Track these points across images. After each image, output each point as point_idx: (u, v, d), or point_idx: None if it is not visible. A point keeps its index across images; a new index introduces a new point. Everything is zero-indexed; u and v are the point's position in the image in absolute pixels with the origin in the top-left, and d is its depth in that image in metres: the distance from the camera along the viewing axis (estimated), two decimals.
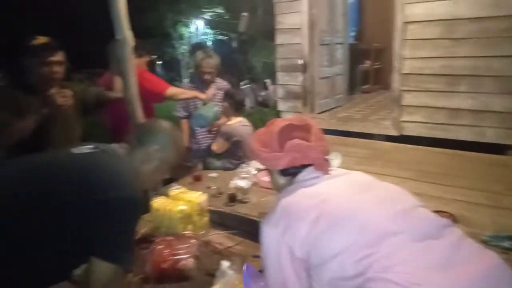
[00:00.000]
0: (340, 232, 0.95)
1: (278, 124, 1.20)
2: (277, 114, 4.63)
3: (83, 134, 2.42)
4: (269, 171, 1.26)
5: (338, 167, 2.69)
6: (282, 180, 1.20)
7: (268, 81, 7.87)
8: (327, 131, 3.60)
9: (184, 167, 2.83)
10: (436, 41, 3.28)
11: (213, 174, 2.85)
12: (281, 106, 4.52)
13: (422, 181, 2.52)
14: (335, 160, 2.76)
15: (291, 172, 1.15)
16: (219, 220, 2.24)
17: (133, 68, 2.51)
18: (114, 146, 1.30)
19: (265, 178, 2.51)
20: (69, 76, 2.37)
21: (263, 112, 6.49)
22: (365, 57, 6.30)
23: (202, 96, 3.07)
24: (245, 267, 1.47)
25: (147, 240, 2.01)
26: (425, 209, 1.04)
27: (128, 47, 2.44)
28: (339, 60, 4.79)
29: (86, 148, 1.22)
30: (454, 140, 3.28)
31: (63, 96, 2.16)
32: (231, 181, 2.39)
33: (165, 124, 1.39)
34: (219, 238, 2.07)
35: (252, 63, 8.22)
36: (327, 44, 4.40)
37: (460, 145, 3.20)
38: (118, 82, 2.64)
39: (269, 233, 1.04)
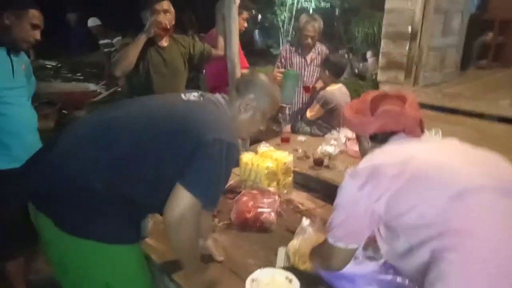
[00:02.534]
0: (423, 184, 0.92)
1: (372, 93, 1.21)
2: (375, 85, 4.37)
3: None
4: (359, 138, 1.25)
5: None
6: (372, 146, 1.17)
7: (368, 52, 7.45)
8: (430, 107, 3.31)
9: (273, 131, 2.89)
10: None
11: (302, 138, 2.87)
12: (381, 76, 4.24)
13: None
14: (434, 136, 2.56)
15: (380, 138, 1.13)
16: (303, 182, 2.27)
17: (236, 27, 2.58)
18: (217, 96, 1.39)
19: (354, 147, 2.45)
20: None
21: (358, 84, 6.21)
22: (488, 29, 5.52)
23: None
24: None
25: (234, 191, 2.15)
26: None
27: (234, 6, 2.51)
28: (455, 30, 4.27)
29: (194, 95, 1.33)
30: None
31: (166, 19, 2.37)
32: (319, 146, 2.38)
33: (262, 76, 1.43)
34: (302, 198, 2.12)
35: (353, 33, 7.82)
36: (443, 12, 3.95)
37: None
38: (221, 40, 2.76)
39: (350, 184, 1.05)
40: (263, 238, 1.76)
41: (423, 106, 2.86)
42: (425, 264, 0.85)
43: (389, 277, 1.28)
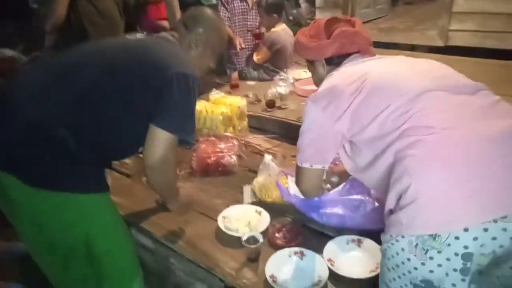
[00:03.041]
0: (380, 95, 0.98)
1: (323, 18, 1.22)
2: None
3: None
4: (314, 65, 1.27)
5: None
6: (328, 71, 1.21)
7: None
8: None
9: (216, 84, 2.84)
10: None
11: (251, 83, 2.87)
12: (319, 16, 4.28)
13: None
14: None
15: (336, 61, 1.17)
16: (258, 125, 2.31)
17: None
18: (164, 33, 1.33)
19: (302, 86, 2.52)
20: None
21: (295, 29, 6.19)
22: None
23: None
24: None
25: None
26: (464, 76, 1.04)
27: None
28: None
29: (140, 35, 1.26)
30: (509, 51, 3.04)
31: None
32: (269, 90, 2.41)
33: (208, 10, 1.39)
34: (258, 140, 2.16)
35: None
36: None
37: None
38: None
39: (312, 108, 1.09)
40: (226, 180, 1.80)
41: None
42: (389, 168, 0.93)
43: (351, 196, 1.39)
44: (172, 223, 1.49)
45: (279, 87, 2.32)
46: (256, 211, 1.50)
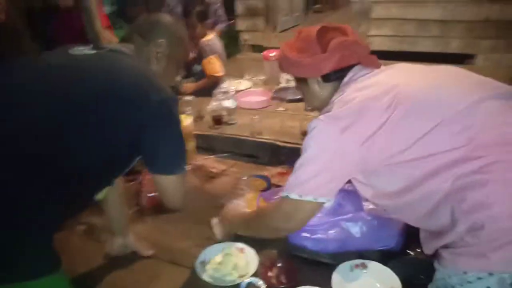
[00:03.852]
0: (426, 110, 0.85)
1: (310, 29, 1.05)
2: (234, 36, 4.31)
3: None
4: (304, 84, 1.08)
5: None
6: (325, 89, 1.05)
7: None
8: None
9: None
10: None
11: (188, 98, 2.61)
12: (240, 25, 4.20)
13: None
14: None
15: (334, 77, 1.01)
16: (206, 145, 2.08)
17: None
18: (116, 45, 1.04)
19: (245, 98, 2.35)
20: None
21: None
22: None
23: None
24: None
25: (132, 171, 1.82)
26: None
27: None
28: None
29: (85, 49, 0.96)
30: (420, 53, 3.31)
31: None
32: (211, 104, 2.19)
33: (167, 17, 1.13)
34: (211, 162, 1.93)
35: None
36: None
37: (426, 57, 3.24)
38: None
39: (327, 130, 0.92)
40: (187, 215, 1.53)
41: None
42: (441, 192, 0.80)
43: (344, 216, 1.25)
44: (134, 283, 1.20)
45: (225, 101, 2.12)
46: (237, 248, 1.28)
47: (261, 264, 1.20)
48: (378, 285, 1.11)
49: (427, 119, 0.84)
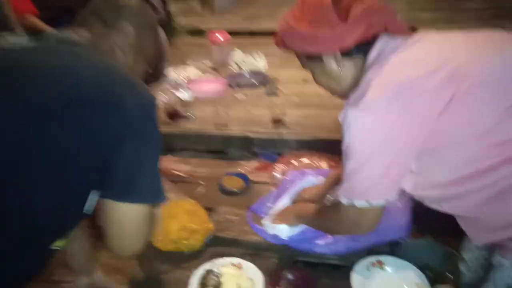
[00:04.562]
0: (497, 88, 0.73)
1: None
2: (169, 19, 3.95)
3: None
4: (317, 63, 0.88)
5: (265, 68, 2.43)
6: (345, 67, 0.86)
7: None
8: (236, 33, 3.20)
9: None
10: None
11: None
12: (175, 8, 3.84)
13: None
14: (259, 61, 2.49)
15: (357, 52, 0.83)
16: (165, 144, 1.81)
17: None
18: (65, 33, 0.76)
19: (199, 88, 2.12)
20: None
21: None
22: None
23: None
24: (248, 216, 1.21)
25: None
26: None
27: None
28: None
29: (23, 40, 0.68)
30: None
31: None
32: (160, 96, 1.92)
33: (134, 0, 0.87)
34: (174, 164, 1.69)
35: None
36: None
37: None
38: None
39: (372, 118, 0.76)
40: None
41: (232, 33, 2.73)
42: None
43: None
44: None
45: (180, 92, 1.87)
46: (233, 264, 1.09)
47: (267, 279, 1.03)
48: (402, 281, 1.01)
49: (500, 98, 0.72)
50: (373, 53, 0.81)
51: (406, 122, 0.75)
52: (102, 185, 0.69)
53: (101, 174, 0.68)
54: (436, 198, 0.83)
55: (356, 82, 0.83)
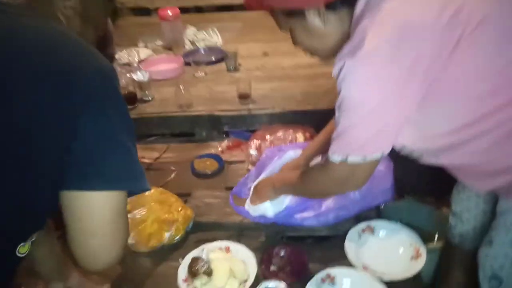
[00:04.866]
0: (501, 27, 0.69)
1: None
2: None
3: None
4: (298, 20, 0.79)
5: (220, 44, 2.34)
6: (330, 23, 0.77)
7: None
8: (186, 9, 3.04)
9: None
10: None
11: None
12: None
13: None
14: (214, 36, 2.38)
15: (342, 3, 0.75)
16: None
17: None
18: None
19: (154, 68, 1.98)
20: None
21: None
22: None
23: None
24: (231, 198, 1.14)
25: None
26: None
27: None
28: None
29: None
30: None
31: None
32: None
33: None
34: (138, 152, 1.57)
35: None
36: None
37: None
38: None
39: (373, 68, 0.70)
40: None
41: (183, 10, 2.58)
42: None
43: None
44: None
45: (136, 74, 1.74)
46: (221, 248, 1.03)
47: (258, 259, 0.99)
48: (397, 246, 1.01)
49: (507, 41, 0.69)
50: (361, 2, 0.75)
51: (412, 71, 0.69)
52: (63, 174, 0.56)
53: (62, 161, 0.56)
54: (436, 150, 0.80)
55: (342, 39, 0.77)
